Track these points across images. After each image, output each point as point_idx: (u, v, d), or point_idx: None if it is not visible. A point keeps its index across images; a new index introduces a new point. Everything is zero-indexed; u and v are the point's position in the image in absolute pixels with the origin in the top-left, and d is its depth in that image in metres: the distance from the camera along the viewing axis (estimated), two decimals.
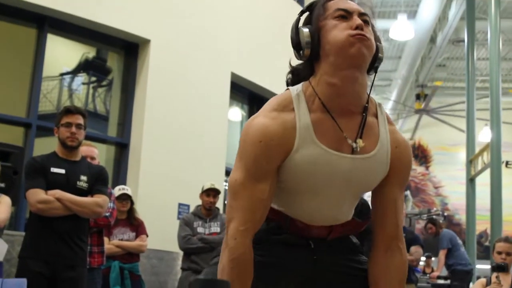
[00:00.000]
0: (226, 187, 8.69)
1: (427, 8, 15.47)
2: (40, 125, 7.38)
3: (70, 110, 4.56)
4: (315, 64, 2.05)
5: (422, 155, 23.58)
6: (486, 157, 11.85)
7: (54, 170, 4.43)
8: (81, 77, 8.52)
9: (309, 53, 2.02)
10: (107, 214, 5.35)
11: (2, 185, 5.32)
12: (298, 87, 2.06)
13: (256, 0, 9.84)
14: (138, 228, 6.46)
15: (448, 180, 22.78)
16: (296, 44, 2.05)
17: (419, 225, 20.16)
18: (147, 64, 8.15)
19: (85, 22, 7.70)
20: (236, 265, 1.95)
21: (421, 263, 12.43)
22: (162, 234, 7.47)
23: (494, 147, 10.89)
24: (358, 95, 2.02)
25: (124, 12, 7.98)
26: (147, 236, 6.49)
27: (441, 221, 12.35)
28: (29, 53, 7.58)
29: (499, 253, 5.37)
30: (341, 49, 1.95)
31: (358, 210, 2.20)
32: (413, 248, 7.57)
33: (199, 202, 7.07)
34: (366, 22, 2.02)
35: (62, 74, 8.24)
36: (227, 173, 8.52)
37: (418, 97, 21.04)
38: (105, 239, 5.86)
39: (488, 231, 14.53)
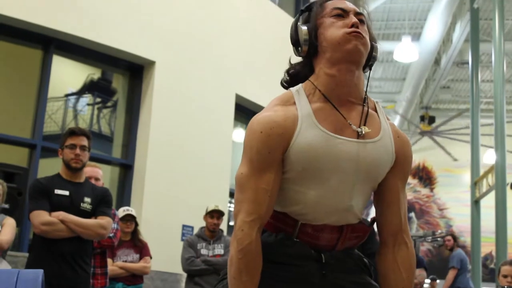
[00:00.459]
0: (230, 209, 8.69)
1: (431, 30, 15.51)
2: (45, 146, 7.40)
3: (75, 132, 4.56)
4: (313, 60, 2.13)
5: (426, 177, 23.53)
6: (491, 179, 11.83)
7: (58, 191, 4.43)
8: (86, 98, 8.55)
9: (307, 50, 2.10)
10: (111, 234, 5.34)
11: (6, 206, 5.32)
12: (298, 86, 2.12)
13: (260, 23, 9.88)
14: (142, 249, 6.44)
15: (452, 202, 22.71)
16: (295, 41, 2.14)
17: (424, 247, 20.11)
18: (152, 86, 8.18)
19: (90, 43, 7.74)
20: (244, 256, 1.96)
21: (426, 285, 12.35)
22: (165, 256, 7.45)
23: (499, 169, 10.86)
24: (356, 86, 2.10)
25: (129, 34, 8.02)
26: (151, 257, 6.47)
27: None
28: (34, 74, 7.62)
29: (505, 276, 5.35)
30: (338, 45, 2.04)
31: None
32: (417, 271, 7.53)
33: (203, 223, 7.05)
34: (362, 22, 2.10)
35: (67, 95, 8.27)
36: (231, 194, 8.51)
37: (422, 118, 21.05)
38: (109, 260, 5.85)
39: (494, 253, 14.45)
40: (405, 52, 15.82)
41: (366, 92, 2.15)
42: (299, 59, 2.19)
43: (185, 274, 7.07)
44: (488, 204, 12.61)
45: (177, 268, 7.20)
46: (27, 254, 4.87)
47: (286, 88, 2.19)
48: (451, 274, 10.51)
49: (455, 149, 21.83)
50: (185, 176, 8.18)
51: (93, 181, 5.02)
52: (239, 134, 10.03)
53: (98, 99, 8.59)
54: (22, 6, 7.19)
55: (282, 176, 2.04)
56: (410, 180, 23.25)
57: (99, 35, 7.74)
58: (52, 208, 4.37)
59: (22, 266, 4.69)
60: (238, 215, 2.01)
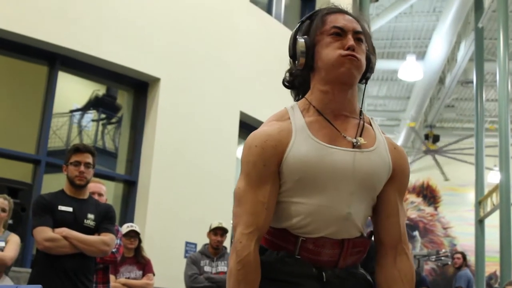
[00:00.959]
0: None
1: (436, 49, 15.54)
2: (49, 161, 7.40)
3: (79, 149, 4.56)
4: (310, 74, 2.16)
5: (430, 195, 23.47)
6: (495, 198, 11.80)
7: (61, 208, 4.43)
8: (91, 114, 8.57)
9: (304, 63, 2.13)
10: (114, 250, 5.34)
11: (10, 221, 5.33)
12: (293, 103, 2.18)
13: (265, 40, 9.91)
14: (145, 266, 6.43)
15: (457, 221, 22.64)
16: (293, 53, 2.17)
17: (428, 266, 20.03)
18: (156, 103, 8.21)
19: (96, 60, 7.78)
20: (242, 267, 1.98)
21: None
22: (168, 273, 7.43)
23: (504, 188, 10.84)
24: (349, 102, 2.13)
25: (134, 51, 8.06)
26: (154, 274, 6.46)
27: (449, 263, 12.26)
28: (40, 90, 7.65)
29: None
30: (332, 67, 2.07)
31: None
32: None
33: (207, 240, 7.04)
34: (360, 40, 2.12)
35: (72, 111, 8.30)
36: None
37: (426, 137, 21.03)
38: (112, 277, 5.83)
39: (498, 273, 14.38)
40: (409, 70, 15.85)
41: (362, 105, 2.19)
42: None
43: None
44: (492, 223, 12.57)
45: (180, 285, 7.17)
46: (30, 270, 4.87)
47: (287, 87, 2.27)
48: None
49: (460, 168, 21.79)
50: (189, 193, 8.18)
51: (96, 197, 5.02)
52: None
53: (103, 115, 8.62)
54: (28, 23, 7.23)
55: (279, 189, 2.06)
56: (414, 198, 23.22)
57: (105, 51, 7.78)
58: (56, 225, 4.37)
59: (24, 281, 4.69)
60: (237, 228, 2.04)
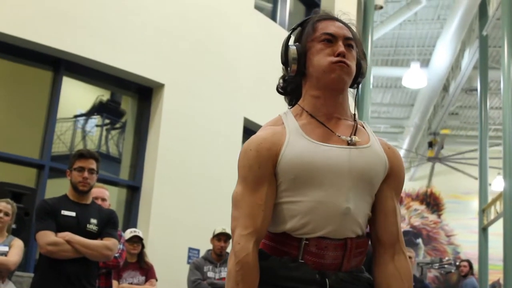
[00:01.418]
0: None
1: (440, 57, 15.54)
2: (53, 166, 7.42)
3: (83, 155, 4.57)
4: (302, 80, 2.22)
5: (434, 203, 23.42)
6: (499, 206, 11.77)
7: (64, 212, 4.44)
8: (95, 119, 8.59)
9: (296, 70, 2.18)
10: (116, 255, 5.35)
11: (14, 226, 5.34)
12: (287, 110, 2.24)
13: (270, 47, 9.90)
14: (148, 272, 6.43)
15: (460, 228, 22.59)
16: (285, 60, 2.22)
17: (431, 273, 19.98)
18: (160, 108, 8.22)
19: (100, 65, 7.79)
20: (241, 268, 2.01)
21: None
22: (171, 278, 7.42)
23: (507, 196, 10.81)
24: (341, 105, 2.18)
25: (138, 56, 8.07)
26: (156, 280, 6.46)
27: (452, 271, 12.24)
28: (44, 95, 7.66)
29: None
30: (323, 73, 2.12)
31: None
32: None
33: (210, 246, 7.03)
34: (351, 46, 2.16)
35: (76, 116, 8.31)
36: None
37: (430, 145, 21.02)
38: (114, 282, 5.83)
39: (501, 281, 14.35)
40: (413, 78, 15.85)
41: (355, 108, 2.24)
42: None
43: None
44: (496, 231, 12.55)
45: None
46: (32, 275, 4.87)
47: (281, 93, 2.33)
48: None
49: (463, 176, 21.77)
50: (192, 198, 8.18)
51: (99, 202, 5.03)
52: None
53: (107, 121, 8.63)
54: (33, 28, 7.25)
55: (275, 190, 2.09)
56: (418, 206, 23.19)
57: (109, 57, 7.79)
58: (59, 229, 4.37)
59: (27, 286, 4.69)
60: (235, 230, 2.08)
